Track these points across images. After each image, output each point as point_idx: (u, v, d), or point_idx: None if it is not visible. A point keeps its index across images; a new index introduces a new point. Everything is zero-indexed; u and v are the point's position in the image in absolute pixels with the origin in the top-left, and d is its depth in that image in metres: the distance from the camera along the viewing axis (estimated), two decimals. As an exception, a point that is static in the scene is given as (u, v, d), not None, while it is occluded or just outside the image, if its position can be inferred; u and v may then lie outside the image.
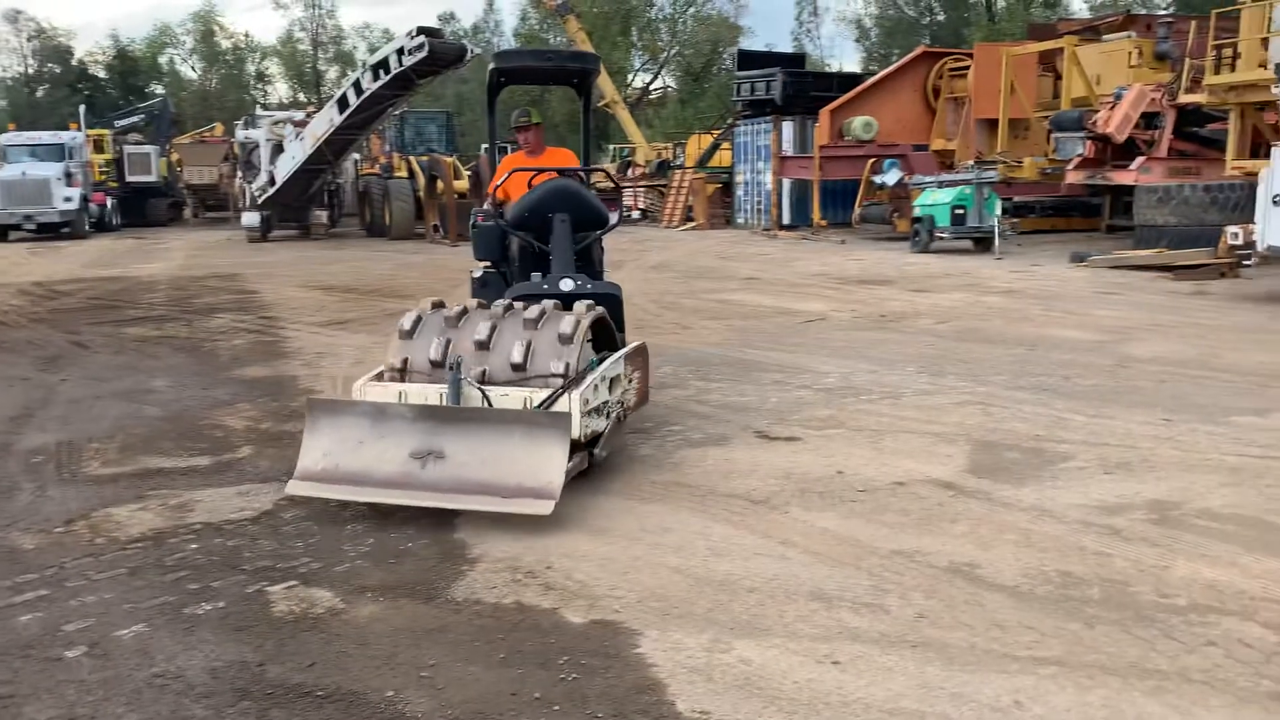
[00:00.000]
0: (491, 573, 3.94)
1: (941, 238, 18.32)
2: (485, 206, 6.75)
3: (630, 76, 56.31)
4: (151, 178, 33.54)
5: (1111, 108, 18.67)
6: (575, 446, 4.59)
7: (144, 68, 65.54)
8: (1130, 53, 20.85)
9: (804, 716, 2.90)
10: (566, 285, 5.74)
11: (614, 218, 6.50)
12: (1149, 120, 18.57)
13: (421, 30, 19.39)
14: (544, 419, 4.55)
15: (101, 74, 64.76)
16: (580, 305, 5.25)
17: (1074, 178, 19.61)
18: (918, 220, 18.75)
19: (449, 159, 25.99)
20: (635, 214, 30.29)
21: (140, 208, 32.36)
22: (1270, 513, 4.45)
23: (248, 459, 5.62)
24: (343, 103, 21.43)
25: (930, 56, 27.08)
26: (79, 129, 29.83)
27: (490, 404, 4.74)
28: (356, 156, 29.33)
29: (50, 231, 26.60)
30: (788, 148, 26.07)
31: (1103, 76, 20.88)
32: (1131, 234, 17.79)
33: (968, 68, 24.80)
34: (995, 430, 5.90)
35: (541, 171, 6.44)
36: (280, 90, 69.33)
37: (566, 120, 42.41)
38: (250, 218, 24.85)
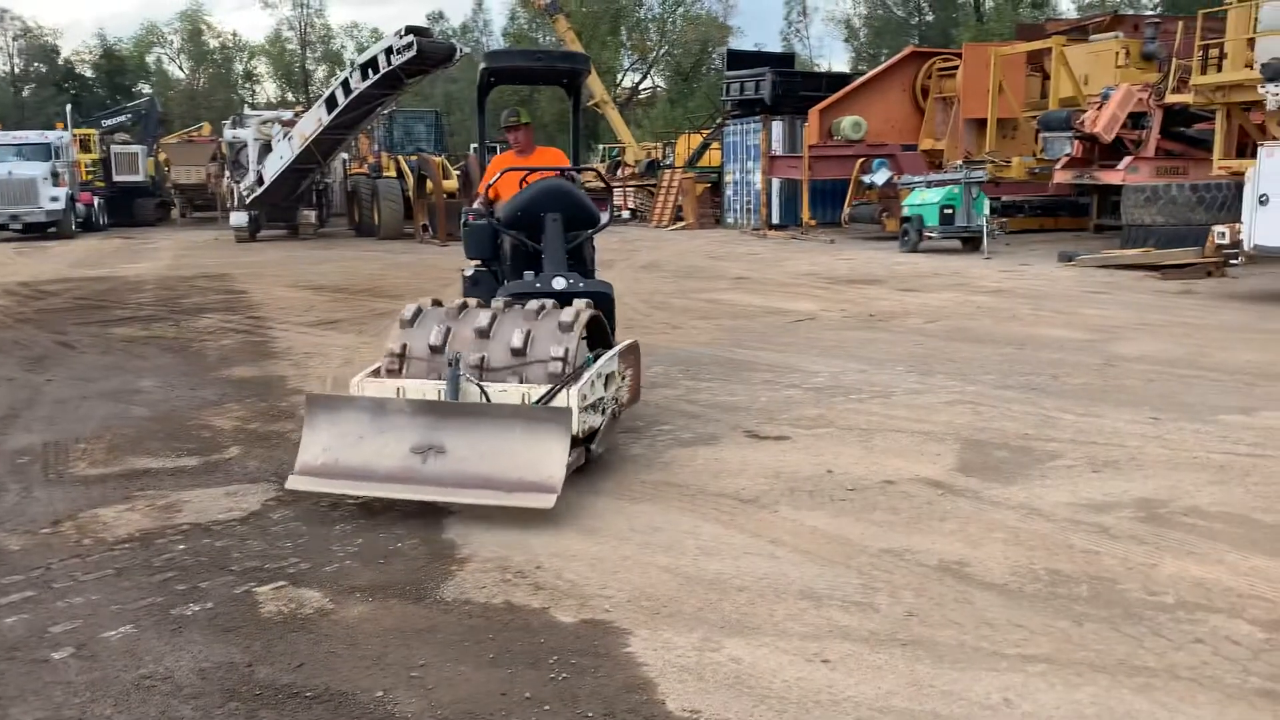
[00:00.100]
0: (481, 572, 3.94)
1: (930, 237, 18.38)
2: (475, 205, 6.76)
3: (619, 76, 56.26)
4: (139, 177, 33.40)
5: (1099, 108, 18.74)
6: (573, 442, 4.62)
7: (131, 67, 65.23)
8: (1118, 53, 20.93)
9: (794, 715, 2.90)
10: (559, 284, 5.77)
11: (605, 217, 6.53)
12: (1136, 120, 18.65)
13: (410, 29, 19.37)
14: (544, 414, 4.59)
15: (88, 73, 64.47)
16: (579, 302, 5.32)
17: (1062, 177, 19.68)
18: (906, 220, 18.81)
19: (438, 158, 25.95)
20: (625, 214, 30.27)
21: (127, 207, 32.22)
22: (1257, 510, 4.48)
23: (236, 459, 5.60)
24: (331, 102, 21.39)
25: (919, 56, 27.13)
26: (65, 128, 29.68)
27: (489, 400, 4.76)
28: (345, 156, 29.23)
29: (36, 231, 26.45)
30: (777, 147, 26.10)
31: (1090, 76, 20.96)
32: (1119, 233, 17.87)
33: (956, 68, 24.85)
34: (984, 429, 5.92)
35: (534, 171, 6.45)
36: (268, 90, 69.20)
37: (556, 120, 42.37)
38: (238, 217, 24.75)
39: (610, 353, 5.32)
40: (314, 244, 23.92)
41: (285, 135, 23.35)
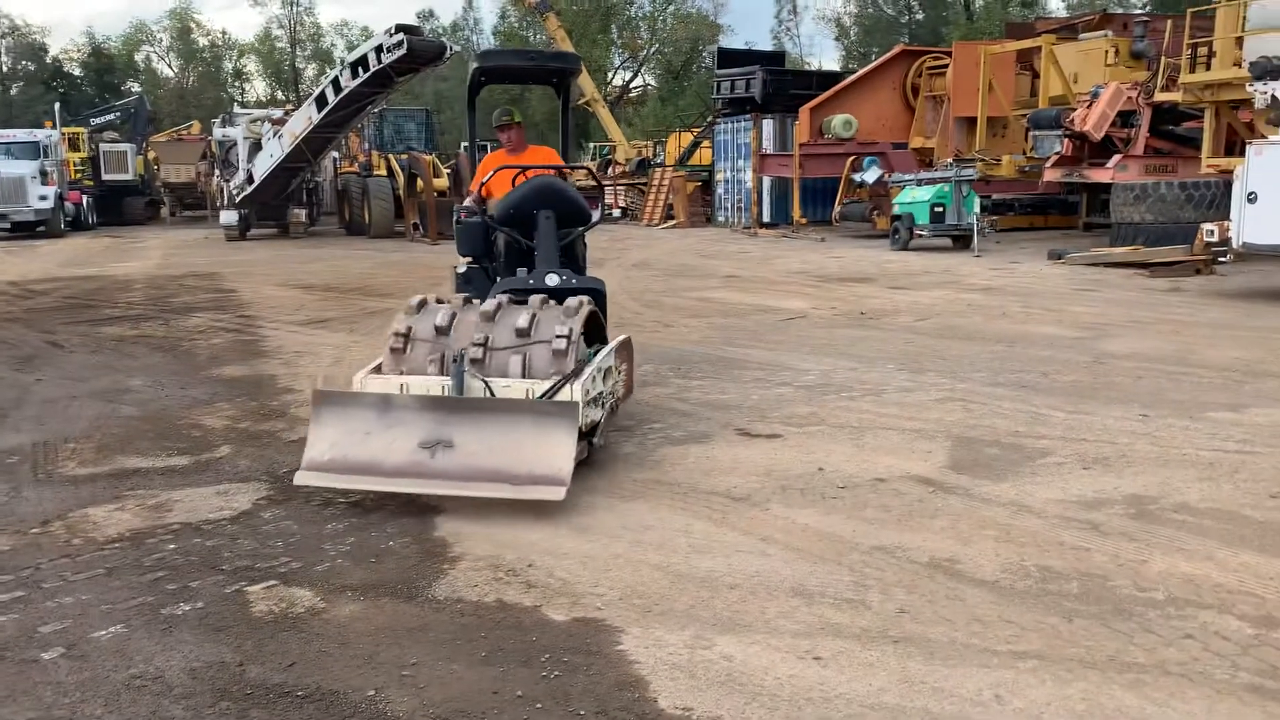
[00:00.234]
0: (473, 571, 3.93)
1: (921, 235, 18.43)
2: (467, 203, 6.77)
3: (610, 74, 56.22)
4: (128, 176, 33.26)
5: (1088, 106, 18.79)
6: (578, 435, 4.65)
7: (120, 65, 64.95)
8: (1107, 51, 21.00)
9: (786, 712, 2.90)
10: (552, 280, 5.82)
11: (596, 214, 6.56)
12: (1125, 118, 18.72)
13: (400, 28, 19.30)
14: (553, 408, 4.63)
15: (77, 71, 64.16)
16: (578, 297, 5.37)
17: (1051, 175, 19.73)
18: (897, 218, 18.86)
19: (428, 157, 25.89)
20: (616, 212, 30.27)
21: (117, 206, 32.10)
22: (1246, 507, 4.50)
23: (226, 458, 5.59)
24: (321, 101, 21.31)
25: (909, 55, 27.16)
26: (54, 127, 29.55)
27: (493, 394, 4.77)
28: (335, 155, 29.18)
29: (25, 230, 26.32)
30: (768, 146, 26.13)
31: (1080, 75, 21.02)
32: (1108, 231, 17.92)
33: (946, 66, 24.90)
34: (975, 426, 5.93)
35: (527, 169, 6.48)
36: (258, 88, 68.97)
37: (546, 119, 42.35)
38: (228, 216, 24.68)
39: (609, 347, 5.40)
40: (304, 243, 23.86)
41: (275, 134, 23.27)
